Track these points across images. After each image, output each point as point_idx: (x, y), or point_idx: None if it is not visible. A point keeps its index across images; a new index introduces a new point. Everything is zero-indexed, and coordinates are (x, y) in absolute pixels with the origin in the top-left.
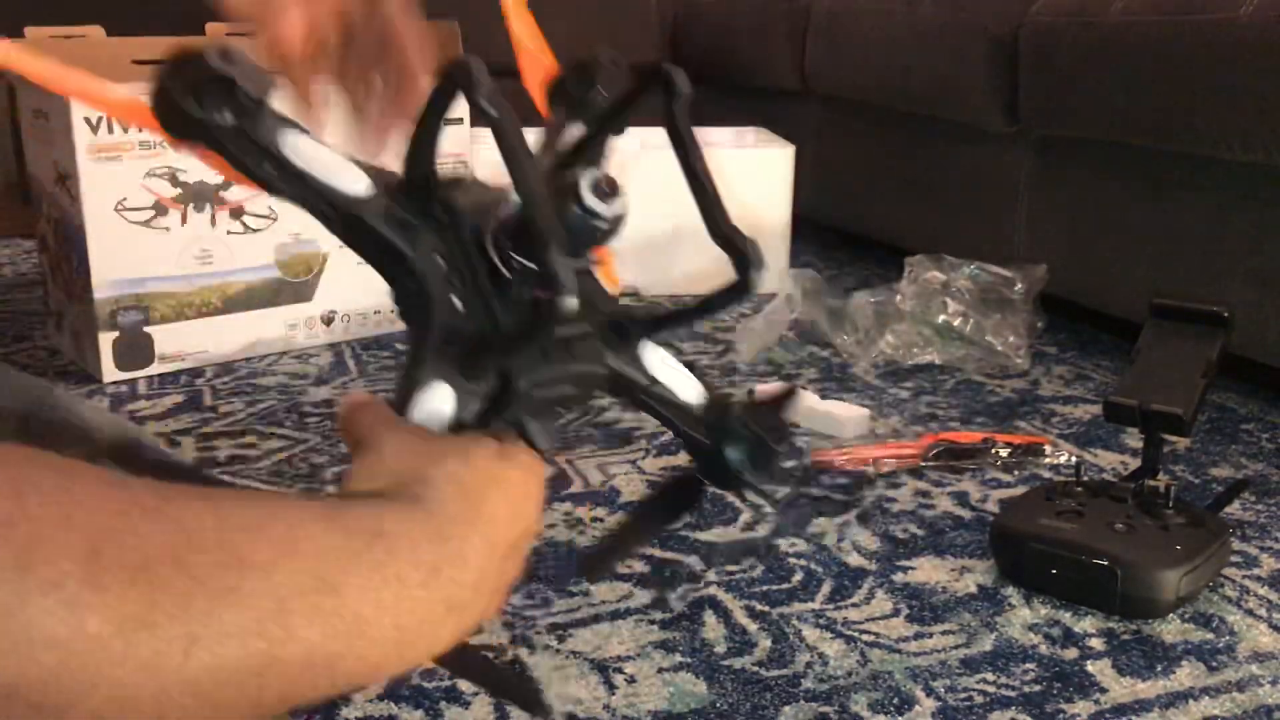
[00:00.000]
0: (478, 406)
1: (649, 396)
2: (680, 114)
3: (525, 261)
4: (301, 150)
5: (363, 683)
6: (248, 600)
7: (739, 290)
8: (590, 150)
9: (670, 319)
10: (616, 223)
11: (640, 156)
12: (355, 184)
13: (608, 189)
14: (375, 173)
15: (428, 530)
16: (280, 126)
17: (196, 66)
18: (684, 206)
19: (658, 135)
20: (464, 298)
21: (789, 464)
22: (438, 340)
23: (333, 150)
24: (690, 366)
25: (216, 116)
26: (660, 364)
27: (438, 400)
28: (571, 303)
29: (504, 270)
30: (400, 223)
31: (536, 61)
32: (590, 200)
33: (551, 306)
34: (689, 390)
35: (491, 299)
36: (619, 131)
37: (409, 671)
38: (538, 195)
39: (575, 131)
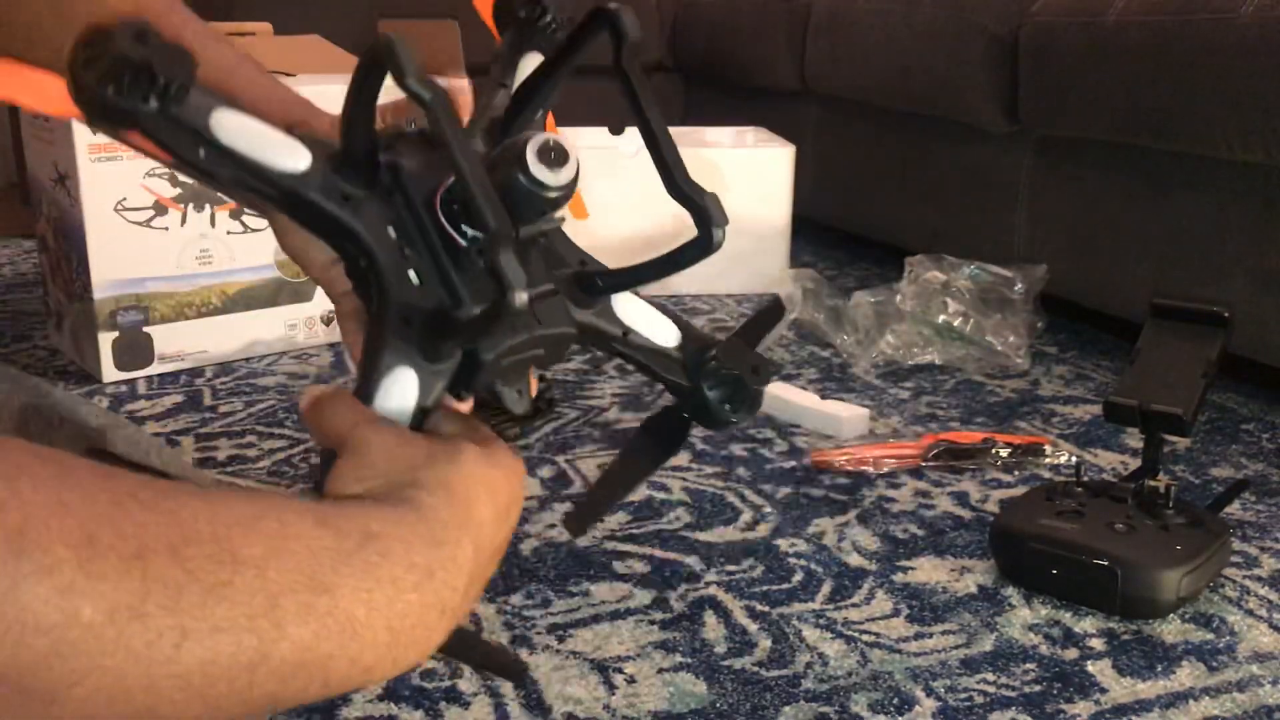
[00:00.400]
0: (443, 386)
1: (625, 346)
2: (629, 60)
3: (476, 232)
4: (232, 128)
5: (355, 685)
6: (240, 596)
7: (701, 247)
8: (537, 98)
9: (635, 273)
10: (566, 190)
11: (640, 155)
12: (293, 159)
13: (555, 156)
14: (315, 144)
15: (420, 534)
16: (209, 105)
17: (109, 55)
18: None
19: None
20: (419, 270)
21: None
22: (396, 320)
23: (267, 124)
24: (662, 309)
25: (140, 105)
26: (632, 311)
27: (404, 388)
28: (521, 299)
29: (457, 237)
30: (344, 196)
31: None
32: (537, 170)
33: (502, 304)
34: (665, 334)
35: (448, 269)
36: (566, 74)
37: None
38: (481, 189)
39: (531, 61)
